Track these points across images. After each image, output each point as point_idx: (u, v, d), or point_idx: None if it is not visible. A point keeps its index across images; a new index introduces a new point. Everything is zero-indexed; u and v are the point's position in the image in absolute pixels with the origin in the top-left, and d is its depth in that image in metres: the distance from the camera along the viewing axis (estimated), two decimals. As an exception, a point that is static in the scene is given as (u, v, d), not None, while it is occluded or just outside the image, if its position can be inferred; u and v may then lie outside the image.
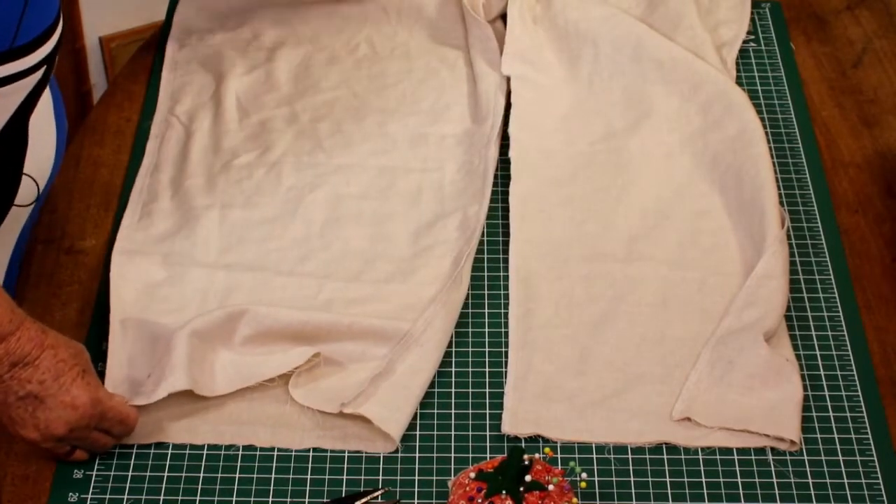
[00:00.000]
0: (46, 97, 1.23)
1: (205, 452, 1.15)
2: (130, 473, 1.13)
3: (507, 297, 1.27)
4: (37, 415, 1.09)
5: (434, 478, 1.13)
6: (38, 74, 1.17)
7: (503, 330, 1.24)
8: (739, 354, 1.18)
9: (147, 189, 1.36)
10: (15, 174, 1.22)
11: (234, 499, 1.12)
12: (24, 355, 1.07)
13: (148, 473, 1.13)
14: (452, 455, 1.15)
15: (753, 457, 1.14)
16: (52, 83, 1.25)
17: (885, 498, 1.11)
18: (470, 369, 1.21)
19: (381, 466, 1.14)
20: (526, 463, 1.07)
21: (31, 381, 1.08)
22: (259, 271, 1.28)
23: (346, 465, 1.14)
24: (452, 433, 1.16)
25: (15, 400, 1.08)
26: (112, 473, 1.13)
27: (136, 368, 1.19)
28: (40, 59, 1.16)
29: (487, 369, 1.21)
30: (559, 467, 1.09)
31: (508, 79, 1.47)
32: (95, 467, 1.14)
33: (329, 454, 1.15)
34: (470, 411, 1.18)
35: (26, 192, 1.24)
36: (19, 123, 1.19)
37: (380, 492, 1.12)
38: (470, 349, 1.23)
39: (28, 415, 1.09)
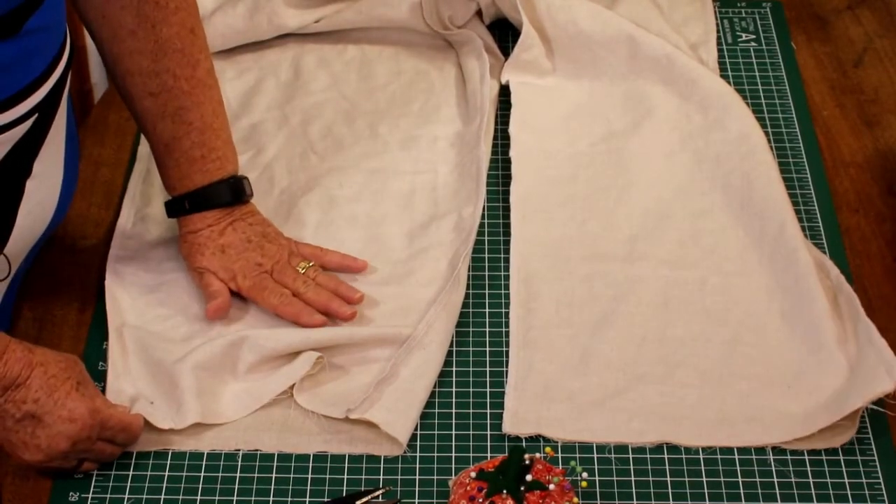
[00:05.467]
0: (56, 139, 1.19)
1: (205, 451, 1.15)
2: (131, 473, 1.13)
3: (507, 297, 1.27)
4: (37, 434, 1.08)
5: (435, 477, 1.13)
6: (27, 125, 1.13)
7: (504, 330, 1.24)
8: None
9: (140, 195, 1.36)
10: None
11: (234, 498, 1.12)
12: (14, 377, 1.06)
13: (149, 473, 1.13)
14: (453, 455, 1.15)
15: (754, 456, 1.14)
16: (69, 123, 1.22)
17: (885, 498, 1.11)
18: (471, 369, 1.21)
19: (381, 466, 1.14)
20: (527, 462, 1.07)
21: (25, 402, 1.07)
22: None
23: (346, 465, 1.14)
24: (453, 433, 1.16)
25: (13, 423, 1.07)
26: (113, 473, 1.13)
27: (137, 380, 1.19)
28: (28, 110, 1.12)
29: (488, 369, 1.21)
30: (560, 467, 1.09)
31: (502, 82, 1.47)
32: (96, 466, 1.14)
33: (330, 454, 1.15)
34: (471, 411, 1.18)
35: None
36: (5, 186, 1.15)
37: (380, 491, 1.12)
38: (471, 349, 1.23)
39: (28, 436, 1.08)
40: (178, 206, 1.27)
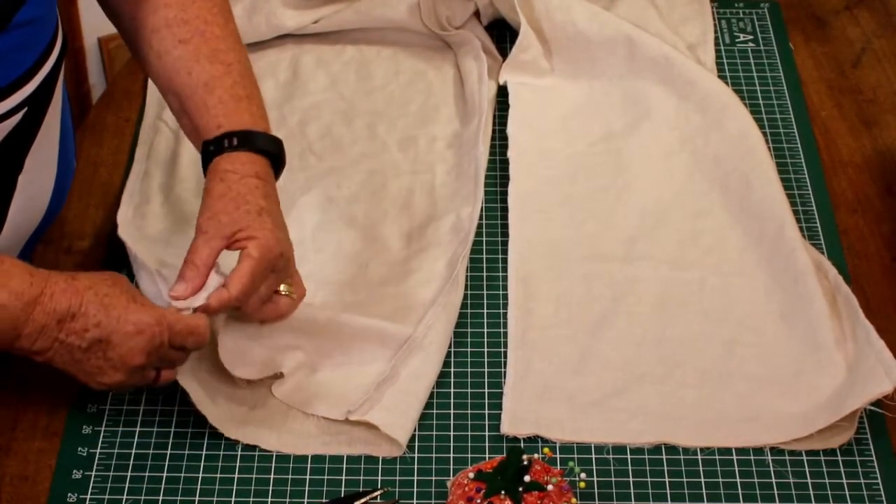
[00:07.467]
0: (49, 134, 1.18)
1: (203, 453, 1.15)
2: (129, 474, 1.13)
3: (506, 297, 1.27)
4: (109, 356, 1.06)
5: (433, 478, 1.13)
6: (16, 119, 1.11)
7: (502, 330, 1.24)
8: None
9: (139, 193, 1.36)
10: None
11: (233, 499, 1.12)
12: (65, 309, 1.04)
13: (147, 474, 1.13)
14: (451, 455, 1.15)
15: (752, 457, 1.14)
16: (64, 118, 1.20)
17: (884, 498, 1.11)
18: (469, 369, 1.21)
19: (380, 467, 1.14)
20: (525, 463, 1.07)
21: (87, 329, 1.04)
22: None
23: (345, 466, 1.14)
24: (451, 433, 1.16)
25: (82, 354, 1.05)
26: (111, 474, 1.13)
27: None
28: (17, 104, 1.11)
29: (486, 369, 1.21)
30: (558, 467, 1.09)
31: (500, 83, 1.47)
32: (95, 468, 1.14)
33: (328, 455, 1.15)
34: (469, 411, 1.18)
35: None
36: None
37: (379, 492, 1.12)
38: (469, 349, 1.23)
39: (101, 361, 1.06)
40: (219, 145, 1.13)
